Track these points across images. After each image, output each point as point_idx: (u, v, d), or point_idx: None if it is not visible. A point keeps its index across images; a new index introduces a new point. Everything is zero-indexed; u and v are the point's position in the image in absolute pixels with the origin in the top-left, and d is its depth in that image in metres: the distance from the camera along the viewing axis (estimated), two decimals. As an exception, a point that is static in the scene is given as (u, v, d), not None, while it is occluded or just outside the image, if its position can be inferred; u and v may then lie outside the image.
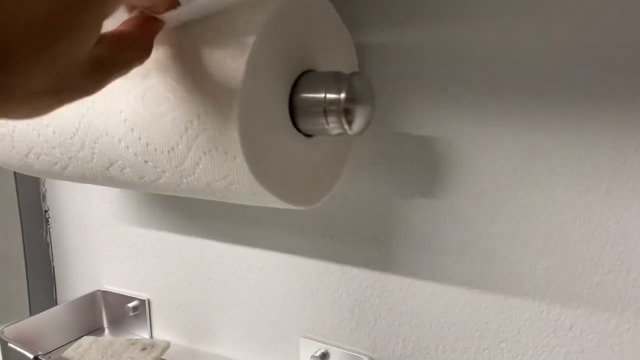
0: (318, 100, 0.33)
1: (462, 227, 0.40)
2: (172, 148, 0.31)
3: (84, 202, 0.64)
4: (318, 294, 0.49)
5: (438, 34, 0.39)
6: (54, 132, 0.36)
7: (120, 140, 0.33)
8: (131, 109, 0.32)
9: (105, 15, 0.23)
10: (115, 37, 0.26)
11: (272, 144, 0.32)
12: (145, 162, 0.33)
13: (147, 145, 0.32)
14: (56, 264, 0.69)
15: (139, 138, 0.32)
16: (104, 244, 0.63)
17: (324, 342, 0.49)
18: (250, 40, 0.29)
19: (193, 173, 0.32)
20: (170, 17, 0.30)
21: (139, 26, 0.28)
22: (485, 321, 0.41)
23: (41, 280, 0.68)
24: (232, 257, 0.53)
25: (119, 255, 0.62)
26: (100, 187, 0.62)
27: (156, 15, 0.29)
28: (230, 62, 0.29)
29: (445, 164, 0.40)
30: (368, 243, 0.45)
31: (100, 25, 0.23)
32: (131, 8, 0.29)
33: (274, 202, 0.34)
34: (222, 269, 0.54)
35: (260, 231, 0.51)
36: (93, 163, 0.36)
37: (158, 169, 0.33)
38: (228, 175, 0.31)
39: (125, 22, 0.28)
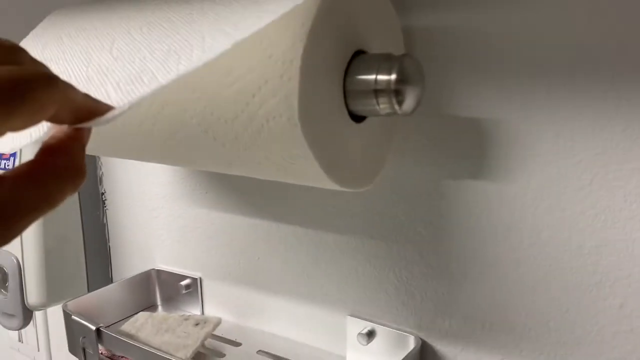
0: (369, 81, 0.34)
1: (510, 208, 0.41)
2: (237, 116, 0.33)
3: (139, 184, 0.67)
4: (365, 273, 0.50)
5: (485, 15, 0.39)
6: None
7: (185, 110, 0.35)
8: (199, 79, 0.34)
9: None
10: (19, 176, 0.21)
11: (328, 123, 0.33)
12: (206, 131, 0.35)
13: (212, 114, 0.34)
14: (112, 243, 0.72)
15: (204, 107, 0.34)
16: (157, 224, 0.66)
17: (371, 320, 0.50)
18: (310, 18, 0.30)
19: (253, 144, 0.34)
20: (99, 121, 0.24)
21: (59, 149, 0.23)
22: (532, 300, 0.41)
23: (98, 259, 0.71)
24: (280, 236, 0.55)
25: (172, 235, 0.65)
26: (154, 169, 0.64)
27: (80, 125, 0.24)
28: (291, 36, 0.31)
29: (493, 145, 0.41)
30: (415, 223, 0.46)
31: None
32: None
33: (325, 181, 0.35)
34: (270, 248, 0.56)
35: (308, 211, 0.52)
36: (154, 135, 0.38)
37: (217, 140, 0.35)
38: (285, 148, 0.33)
39: (42, 150, 0.23)
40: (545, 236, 0.40)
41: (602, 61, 0.36)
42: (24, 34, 0.46)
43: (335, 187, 0.35)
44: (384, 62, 0.33)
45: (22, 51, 0.22)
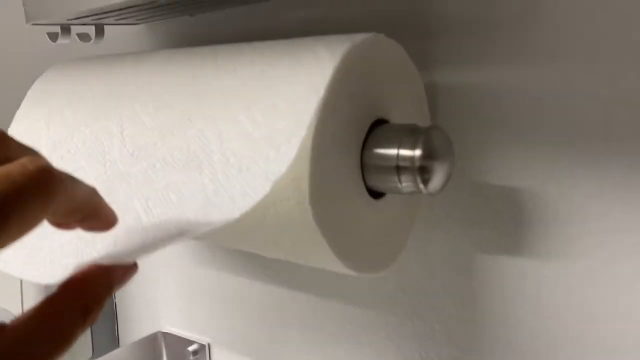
0: (390, 157, 0.29)
1: (552, 293, 0.36)
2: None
3: (146, 242, 0.63)
4: (388, 354, 0.45)
5: (516, 75, 0.35)
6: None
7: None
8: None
9: None
10: (25, 324, 0.18)
11: (342, 202, 0.30)
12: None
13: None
14: (118, 302, 0.68)
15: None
16: (165, 285, 0.62)
17: (393, 404, 0.45)
18: (322, 87, 0.27)
19: (258, 226, 0.30)
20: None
21: (78, 283, 0.20)
22: (580, 397, 0.36)
23: (104, 320, 0.68)
24: (294, 305, 0.51)
25: (180, 296, 0.61)
26: (162, 228, 0.61)
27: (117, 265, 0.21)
28: (302, 111, 0.27)
29: (532, 219, 0.36)
30: (444, 301, 0.41)
31: None
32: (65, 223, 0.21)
33: (339, 267, 0.31)
34: (283, 317, 0.52)
35: (325, 281, 0.48)
36: None
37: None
38: (295, 233, 0.29)
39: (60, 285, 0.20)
40: (594, 328, 0.34)
41: (661, 130, 0.31)
42: (25, 85, 0.43)
43: (351, 273, 0.31)
44: (408, 135, 0.29)
45: (6, 137, 0.19)
